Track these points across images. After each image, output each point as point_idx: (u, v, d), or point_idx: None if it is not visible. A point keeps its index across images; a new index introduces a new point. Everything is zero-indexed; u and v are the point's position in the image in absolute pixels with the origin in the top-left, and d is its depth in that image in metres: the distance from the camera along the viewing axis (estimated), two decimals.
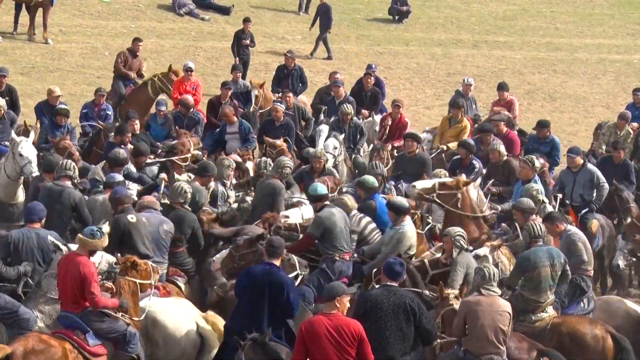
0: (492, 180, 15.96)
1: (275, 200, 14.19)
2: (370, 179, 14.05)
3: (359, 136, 18.03)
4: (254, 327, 10.55)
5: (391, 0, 32.29)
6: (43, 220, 11.87)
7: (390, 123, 18.69)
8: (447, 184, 14.09)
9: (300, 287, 11.89)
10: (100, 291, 10.65)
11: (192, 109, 18.25)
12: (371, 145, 18.10)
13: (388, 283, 10.61)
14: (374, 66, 21.44)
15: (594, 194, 15.49)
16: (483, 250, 12.66)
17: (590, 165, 15.88)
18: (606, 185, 15.61)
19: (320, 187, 12.90)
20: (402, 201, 13.20)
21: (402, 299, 10.43)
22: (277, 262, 10.97)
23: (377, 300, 10.40)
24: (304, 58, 26.21)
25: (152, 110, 18.82)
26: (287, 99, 18.89)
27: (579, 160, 15.69)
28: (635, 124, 19.65)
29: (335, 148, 17.01)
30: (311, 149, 16.88)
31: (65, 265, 10.69)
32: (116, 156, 14.58)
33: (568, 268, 11.90)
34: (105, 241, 10.85)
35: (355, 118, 18.26)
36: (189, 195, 13.13)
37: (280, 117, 17.88)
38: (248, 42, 24.28)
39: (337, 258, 12.33)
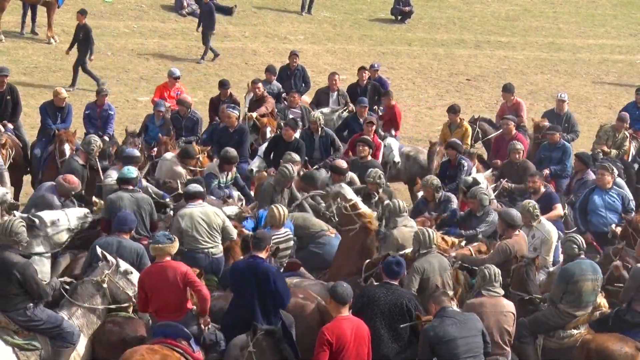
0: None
1: None
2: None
3: (332, 149, 17.29)
4: (247, 321, 10.71)
5: (393, 0, 32.31)
6: (132, 231, 11.89)
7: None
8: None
9: None
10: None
11: (189, 109, 18.22)
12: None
13: (388, 281, 10.65)
14: (376, 65, 21.39)
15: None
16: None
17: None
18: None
19: (127, 170, 13.24)
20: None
21: (400, 298, 10.47)
22: (263, 255, 11.01)
23: (374, 297, 10.47)
24: (193, 62, 25.89)
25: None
26: (293, 99, 18.89)
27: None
28: None
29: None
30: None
31: (157, 276, 10.62)
32: (227, 154, 15.22)
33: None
34: (177, 245, 10.98)
35: (327, 129, 17.63)
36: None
37: (234, 123, 17.09)
38: (80, 36, 23.24)
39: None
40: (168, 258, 10.76)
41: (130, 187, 13.11)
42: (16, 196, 16.17)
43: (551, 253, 13.12)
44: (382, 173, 15.02)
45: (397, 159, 17.47)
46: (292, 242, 12.90)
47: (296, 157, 15.35)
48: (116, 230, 11.71)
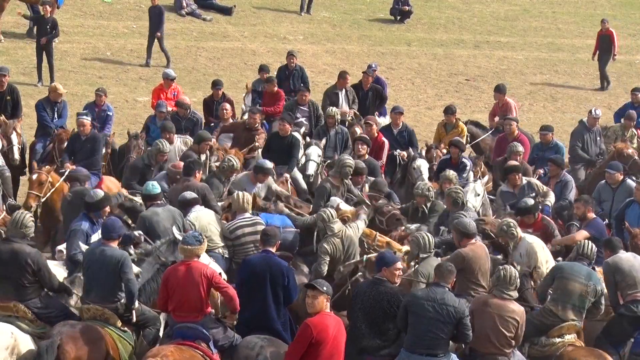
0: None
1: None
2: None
3: (345, 146, 17.36)
4: (261, 315, 10.90)
5: (393, 0, 32.33)
6: (120, 238, 11.49)
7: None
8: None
9: None
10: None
11: (189, 110, 18.23)
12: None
13: (377, 276, 10.73)
14: (374, 65, 21.34)
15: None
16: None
17: (629, 182, 15.45)
18: None
19: (151, 186, 13.14)
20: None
21: (381, 295, 10.50)
22: (273, 250, 11.20)
23: (361, 292, 10.63)
24: (143, 66, 25.69)
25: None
26: (304, 97, 18.86)
27: (619, 177, 15.37)
28: None
29: (319, 156, 16.71)
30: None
31: (182, 274, 10.57)
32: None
33: (603, 301, 11.54)
34: (204, 246, 10.99)
35: (342, 126, 17.85)
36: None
37: (87, 131, 16.22)
38: (47, 27, 23.23)
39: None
40: (196, 259, 10.75)
41: (158, 202, 12.99)
42: (14, 196, 16.17)
43: (540, 262, 12.33)
44: (430, 185, 14.72)
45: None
46: (259, 227, 12.60)
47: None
48: (103, 238, 11.37)
